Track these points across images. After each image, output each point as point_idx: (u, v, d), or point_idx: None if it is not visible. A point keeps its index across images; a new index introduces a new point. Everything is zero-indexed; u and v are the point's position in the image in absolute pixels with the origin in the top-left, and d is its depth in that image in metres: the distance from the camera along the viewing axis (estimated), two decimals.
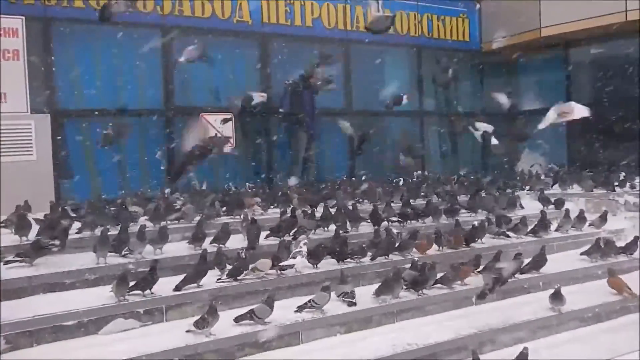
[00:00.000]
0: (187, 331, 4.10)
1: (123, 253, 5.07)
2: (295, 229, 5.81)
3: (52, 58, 8.23)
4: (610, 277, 5.63)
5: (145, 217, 5.98)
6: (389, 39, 11.06)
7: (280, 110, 9.34)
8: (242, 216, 6.16)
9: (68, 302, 4.27)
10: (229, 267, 4.92)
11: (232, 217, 6.35)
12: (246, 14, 9.75)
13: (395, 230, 6.07)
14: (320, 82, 8.89)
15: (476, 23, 12.48)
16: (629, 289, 5.50)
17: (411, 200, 7.30)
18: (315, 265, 5.23)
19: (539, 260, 5.77)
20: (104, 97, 8.57)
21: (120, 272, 4.47)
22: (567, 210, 7.16)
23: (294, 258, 5.20)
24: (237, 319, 4.30)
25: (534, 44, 11.59)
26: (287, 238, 5.60)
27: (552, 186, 9.07)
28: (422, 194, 7.95)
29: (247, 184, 8.93)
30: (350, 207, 6.57)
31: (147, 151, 8.93)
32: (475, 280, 5.32)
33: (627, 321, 5.39)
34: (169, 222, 5.95)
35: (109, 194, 7.83)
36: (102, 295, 4.40)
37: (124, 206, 6.31)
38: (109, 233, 5.15)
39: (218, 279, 4.81)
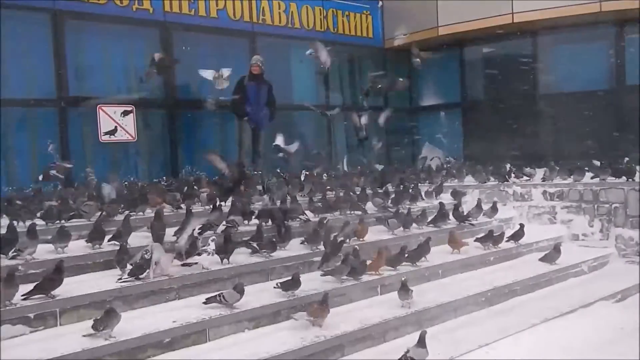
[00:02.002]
0: (84, 335, 3.88)
1: (10, 255, 4.67)
2: (202, 225, 5.68)
3: None
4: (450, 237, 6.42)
5: (38, 215, 5.56)
6: (295, 33, 11.10)
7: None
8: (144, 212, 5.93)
9: None
10: (130, 266, 4.70)
11: (135, 213, 6.06)
12: (147, 1, 9.33)
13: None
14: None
15: (379, 20, 12.81)
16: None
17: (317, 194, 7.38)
18: (224, 260, 5.14)
19: (421, 250, 5.99)
20: None
21: (6, 274, 4.11)
22: (459, 202, 7.59)
23: (199, 255, 5.10)
24: (207, 301, 4.46)
25: (432, 42, 12.10)
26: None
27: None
28: (328, 187, 8.05)
29: (164, 178, 8.59)
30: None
31: (38, 144, 8.31)
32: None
33: (514, 303, 5.84)
34: (65, 220, 5.58)
35: None
36: None
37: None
38: None
39: (119, 279, 4.59)
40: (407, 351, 4.12)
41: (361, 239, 6.15)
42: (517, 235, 7.01)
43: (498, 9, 10.95)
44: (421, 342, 4.17)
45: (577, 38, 11.07)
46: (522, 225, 7.12)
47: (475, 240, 6.78)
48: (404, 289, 5.02)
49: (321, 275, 5.23)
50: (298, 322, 4.61)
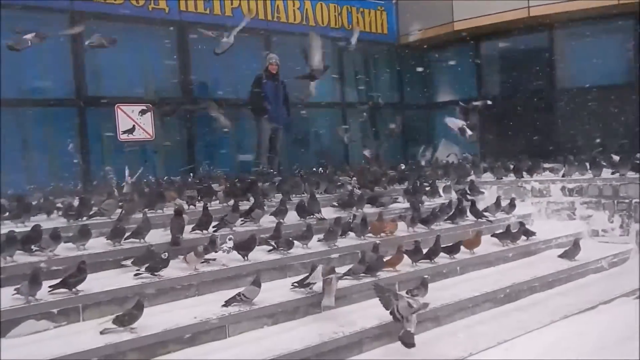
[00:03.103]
0: (102, 332, 3.94)
1: (34, 249, 4.75)
2: (217, 223, 5.73)
3: None
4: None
5: (59, 214, 5.65)
6: (309, 31, 11.09)
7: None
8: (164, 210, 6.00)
9: None
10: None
11: (153, 210, 6.12)
12: (162, 1, 9.41)
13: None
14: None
15: (393, 16, 12.77)
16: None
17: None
18: (245, 257, 5.18)
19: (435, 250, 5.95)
20: (7, 85, 7.96)
21: (32, 271, 4.19)
22: (473, 201, 7.49)
23: (215, 252, 5.14)
24: (227, 303, 4.40)
25: (447, 37, 12.04)
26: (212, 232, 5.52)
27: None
28: (339, 184, 8.04)
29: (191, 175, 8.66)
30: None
31: (57, 143, 8.43)
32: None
33: (533, 299, 5.79)
34: (87, 218, 5.65)
35: (15, 189, 7.33)
36: (9, 296, 4.12)
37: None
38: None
39: (136, 273, 4.65)
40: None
41: (378, 236, 6.16)
42: (528, 232, 6.99)
43: (514, 3, 10.87)
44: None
45: (595, 31, 10.94)
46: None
47: (492, 236, 6.75)
48: (424, 286, 5.01)
49: (339, 279, 5.20)
50: (317, 318, 4.65)
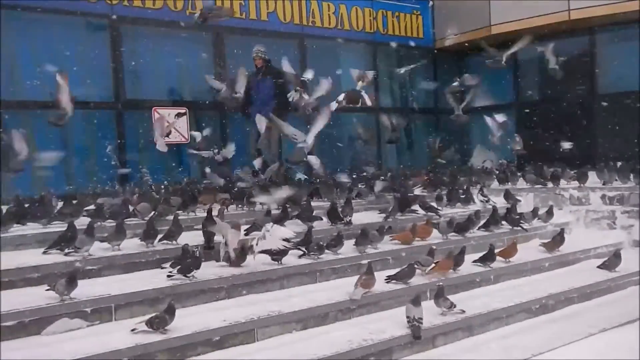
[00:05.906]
0: (133, 330, 3.99)
1: (67, 251, 4.84)
2: (249, 226, 5.75)
3: None
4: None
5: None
6: (344, 35, 11.11)
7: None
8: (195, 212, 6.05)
9: (8, 302, 4.03)
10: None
11: (186, 213, 6.18)
12: (199, 6, 9.54)
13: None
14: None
15: (429, 20, 12.65)
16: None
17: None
18: (279, 262, 5.18)
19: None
20: (48, 88, 8.19)
21: (70, 271, 4.28)
22: (513, 205, 7.33)
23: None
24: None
25: (484, 41, 11.83)
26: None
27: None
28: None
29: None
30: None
31: (96, 145, 8.63)
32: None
33: (569, 311, 5.62)
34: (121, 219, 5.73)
35: (55, 189, 7.53)
36: (45, 294, 4.20)
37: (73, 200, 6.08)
38: None
39: (169, 275, 4.70)
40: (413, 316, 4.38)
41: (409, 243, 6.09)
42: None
43: (553, 6, 10.62)
44: (416, 301, 4.46)
45: (637, 35, 10.58)
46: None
47: (540, 245, 6.64)
48: (440, 295, 4.90)
49: (386, 282, 5.19)
50: (346, 324, 4.62)
